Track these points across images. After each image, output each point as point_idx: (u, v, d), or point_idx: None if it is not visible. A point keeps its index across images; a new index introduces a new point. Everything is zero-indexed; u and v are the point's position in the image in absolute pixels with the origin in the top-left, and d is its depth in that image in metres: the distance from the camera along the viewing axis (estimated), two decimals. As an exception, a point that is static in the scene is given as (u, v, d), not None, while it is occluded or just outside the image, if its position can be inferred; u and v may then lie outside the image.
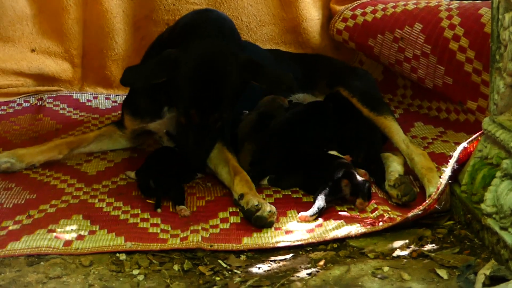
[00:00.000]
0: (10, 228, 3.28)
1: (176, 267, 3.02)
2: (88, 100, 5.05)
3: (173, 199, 3.57)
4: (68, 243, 3.14)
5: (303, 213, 3.36)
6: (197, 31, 3.76)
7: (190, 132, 3.60)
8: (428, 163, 3.71)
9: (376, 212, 3.36)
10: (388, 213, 3.32)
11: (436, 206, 3.24)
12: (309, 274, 2.91)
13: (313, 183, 3.57)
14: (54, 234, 3.19)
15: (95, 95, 5.11)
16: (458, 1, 4.62)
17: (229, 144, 3.84)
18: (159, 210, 3.48)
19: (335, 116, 4.02)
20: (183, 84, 3.56)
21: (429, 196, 3.36)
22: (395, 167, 3.74)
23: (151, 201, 3.59)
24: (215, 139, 3.70)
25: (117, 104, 4.99)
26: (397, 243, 3.12)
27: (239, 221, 3.39)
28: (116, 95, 5.10)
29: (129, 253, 3.11)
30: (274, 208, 3.33)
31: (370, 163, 3.81)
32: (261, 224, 3.29)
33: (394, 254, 3.03)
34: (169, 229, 3.32)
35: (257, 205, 3.31)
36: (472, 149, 3.26)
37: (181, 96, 3.59)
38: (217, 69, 3.56)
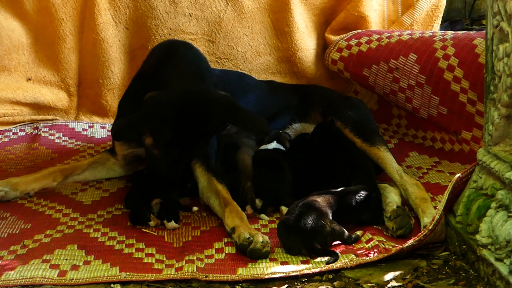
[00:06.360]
0: (5, 258, 3.27)
1: (170, 298, 3.01)
2: (84, 129, 5.05)
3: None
4: (62, 273, 3.13)
5: None
6: (172, 69, 3.89)
7: (163, 161, 3.72)
8: (422, 193, 3.70)
9: (371, 242, 3.36)
10: (383, 244, 3.31)
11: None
12: (304, 305, 2.91)
13: None
14: (49, 264, 3.18)
15: (91, 124, 5.11)
16: (452, 32, 4.64)
17: (217, 174, 3.87)
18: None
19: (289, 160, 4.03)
20: (166, 126, 3.64)
21: (424, 226, 3.36)
22: (392, 198, 3.72)
23: (147, 231, 3.59)
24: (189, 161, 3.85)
25: (112, 133, 5.00)
26: (392, 274, 3.11)
27: (234, 252, 3.37)
28: (112, 124, 5.09)
29: (124, 283, 3.10)
30: (266, 238, 3.32)
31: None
32: (257, 256, 3.27)
33: (389, 285, 3.02)
34: (164, 259, 3.31)
35: (248, 238, 3.30)
36: (466, 179, 3.27)
37: (162, 136, 3.68)
38: (199, 114, 3.66)
